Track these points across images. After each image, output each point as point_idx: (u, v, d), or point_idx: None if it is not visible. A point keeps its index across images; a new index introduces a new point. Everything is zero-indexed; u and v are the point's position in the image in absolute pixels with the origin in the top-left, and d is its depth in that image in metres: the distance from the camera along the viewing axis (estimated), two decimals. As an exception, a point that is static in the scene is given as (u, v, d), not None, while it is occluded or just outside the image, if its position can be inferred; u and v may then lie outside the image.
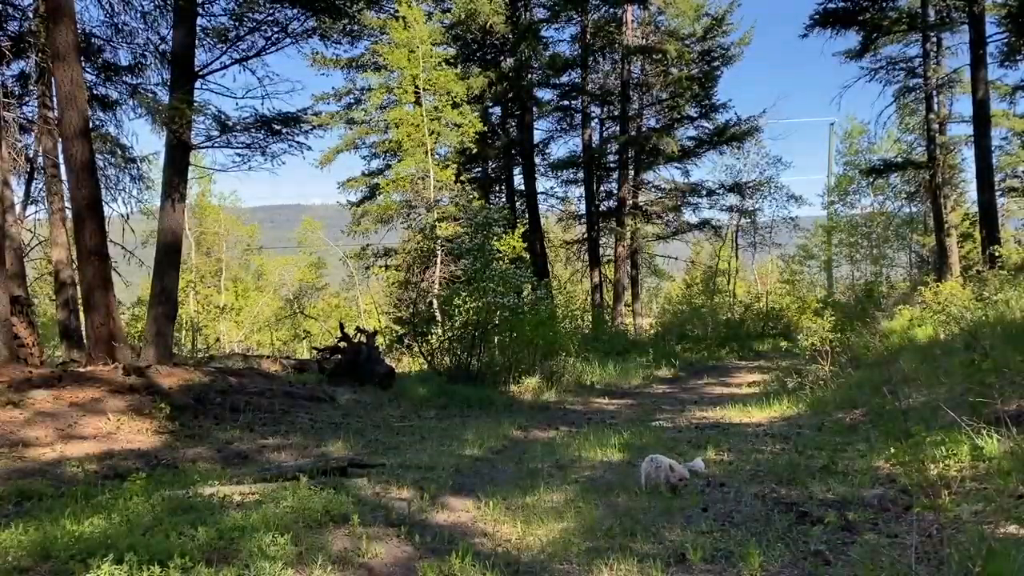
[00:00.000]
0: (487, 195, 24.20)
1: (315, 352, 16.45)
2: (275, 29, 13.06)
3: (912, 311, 13.37)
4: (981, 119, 17.60)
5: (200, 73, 12.49)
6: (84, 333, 12.57)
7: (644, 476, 5.42)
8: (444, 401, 11.16)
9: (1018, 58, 18.58)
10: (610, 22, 23.15)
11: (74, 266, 13.40)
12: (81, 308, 12.66)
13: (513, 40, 22.46)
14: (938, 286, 14.07)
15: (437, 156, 19.40)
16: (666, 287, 33.39)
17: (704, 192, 25.39)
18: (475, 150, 21.12)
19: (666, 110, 24.18)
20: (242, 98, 13.23)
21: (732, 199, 25.73)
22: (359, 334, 12.79)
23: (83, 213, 10.61)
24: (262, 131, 13.07)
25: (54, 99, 12.44)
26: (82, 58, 11.84)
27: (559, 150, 52.62)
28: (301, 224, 39.34)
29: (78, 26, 11.47)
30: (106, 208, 12.00)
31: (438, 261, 16.77)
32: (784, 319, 21.74)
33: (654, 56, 22.70)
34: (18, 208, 14.89)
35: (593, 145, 24.29)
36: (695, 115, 24.35)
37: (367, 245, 23.90)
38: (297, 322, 33.28)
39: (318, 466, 6.02)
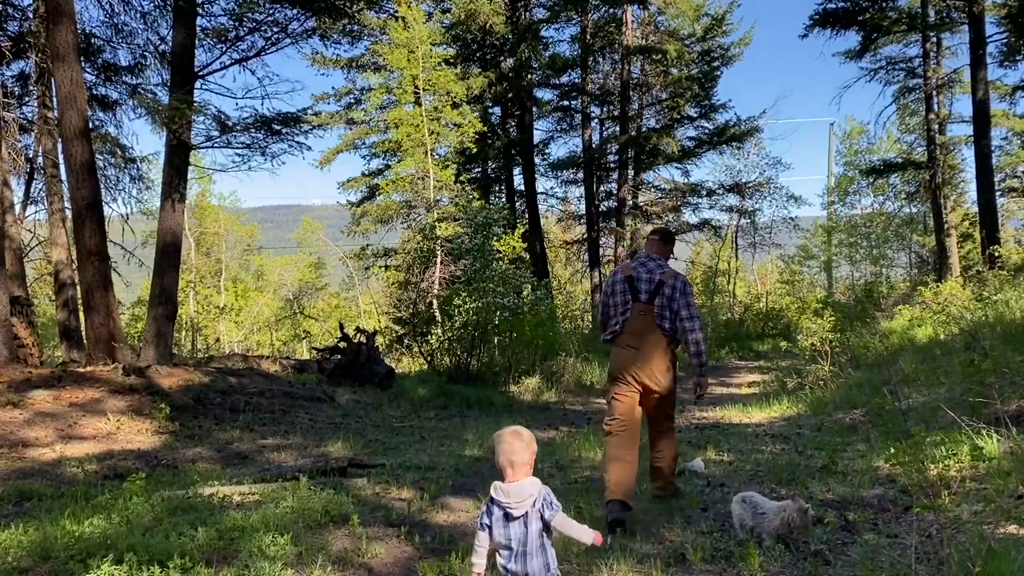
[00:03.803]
0: (487, 195, 24.19)
1: (315, 352, 16.45)
2: (275, 29, 13.08)
3: (912, 311, 13.38)
4: (981, 119, 17.60)
5: (200, 73, 12.49)
6: (84, 333, 12.58)
7: (737, 521, 4.37)
8: (444, 401, 11.16)
9: (1018, 58, 18.58)
10: (610, 22, 23.16)
11: (74, 266, 13.42)
12: (81, 308, 12.67)
13: (513, 40, 22.45)
14: (938, 286, 14.08)
15: (437, 156, 19.39)
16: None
17: (704, 192, 25.44)
18: (475, 150, 21.13)
19: (666, 110, 24.19)
20: (242, 98, 13.27)
21: (732, 199, 25.77)
22: (359, 334, 12.78)
23: (83, 213, 10.61)
24: (262, 131, 13.08)
25: (54, 99, 12.45)
26: (82, 58, 11.84)
27: (559, 150, 52.82)
28: (301, 224, 39.37)
29: (78, 26, 11.47)
30: (106, 208, 12.02)
31: (438, 261, 16.75)
32: (784, 319, 21.73)
33: (654, 56, 22.71)
34: (18, 208, 14.94)
35: (593, 145, 24.28)
36: (695, 115, 24.37)
37: (367, 245, 23.90)
38: (297, 322, 33.31)
39: (318, 466, 6.02)
